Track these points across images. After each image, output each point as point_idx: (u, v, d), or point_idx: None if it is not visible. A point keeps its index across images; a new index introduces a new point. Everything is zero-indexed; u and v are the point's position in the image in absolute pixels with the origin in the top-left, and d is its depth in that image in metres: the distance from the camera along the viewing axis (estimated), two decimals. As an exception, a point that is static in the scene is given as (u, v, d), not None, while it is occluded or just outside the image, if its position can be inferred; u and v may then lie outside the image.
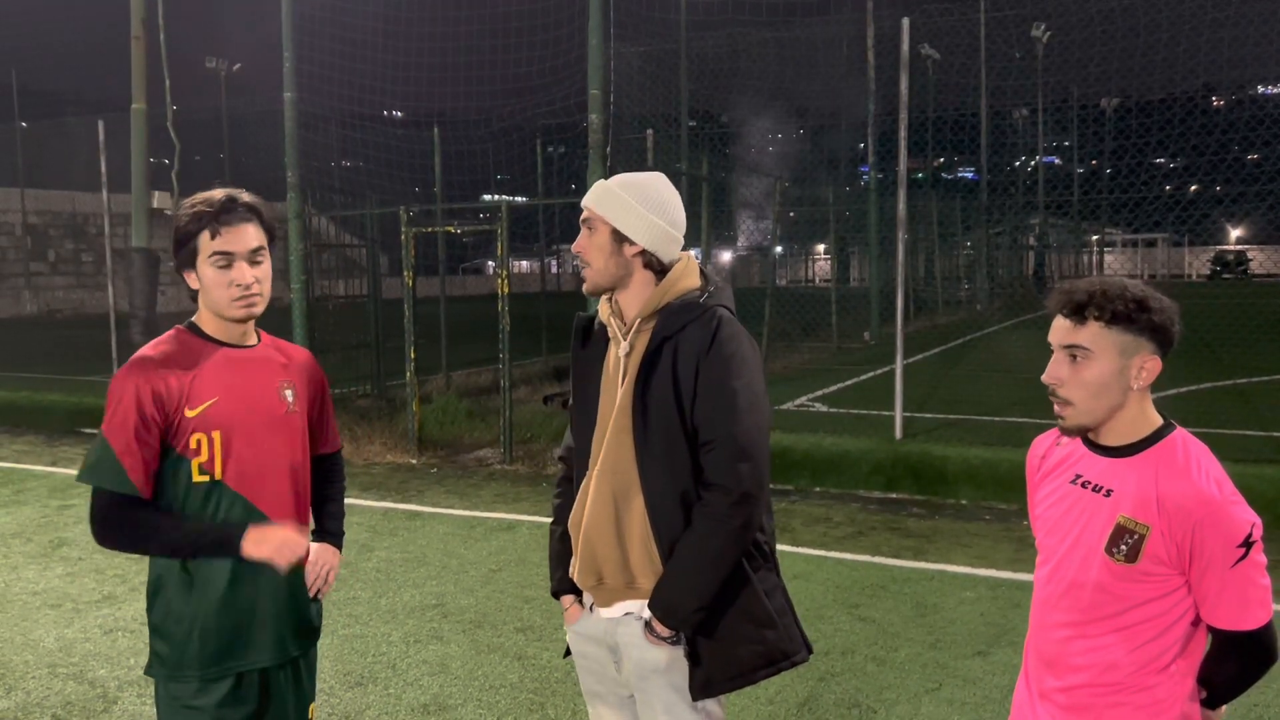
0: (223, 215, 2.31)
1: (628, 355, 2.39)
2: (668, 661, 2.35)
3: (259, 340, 2.48)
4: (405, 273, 9.78)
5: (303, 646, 2.48)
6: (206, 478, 2.30)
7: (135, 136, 10.32)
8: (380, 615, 5.37)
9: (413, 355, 9.78)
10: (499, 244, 9.42)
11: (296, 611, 2.45)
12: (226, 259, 2.31)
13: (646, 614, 2.35)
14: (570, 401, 2.56)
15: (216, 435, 2.30)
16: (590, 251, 2.40)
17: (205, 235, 2.31)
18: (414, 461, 9.47)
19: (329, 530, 2.69)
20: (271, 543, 2.29)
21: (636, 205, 2.37)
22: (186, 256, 2.35)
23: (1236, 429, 9.31)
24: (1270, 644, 1.95)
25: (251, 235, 2.34)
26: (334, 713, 4.22)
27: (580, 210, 2.44)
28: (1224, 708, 2.07)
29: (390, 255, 16.95)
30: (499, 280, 9.56)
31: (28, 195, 40.53)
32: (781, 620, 2.37)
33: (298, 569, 2.44)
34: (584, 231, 2.42)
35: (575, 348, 2.54)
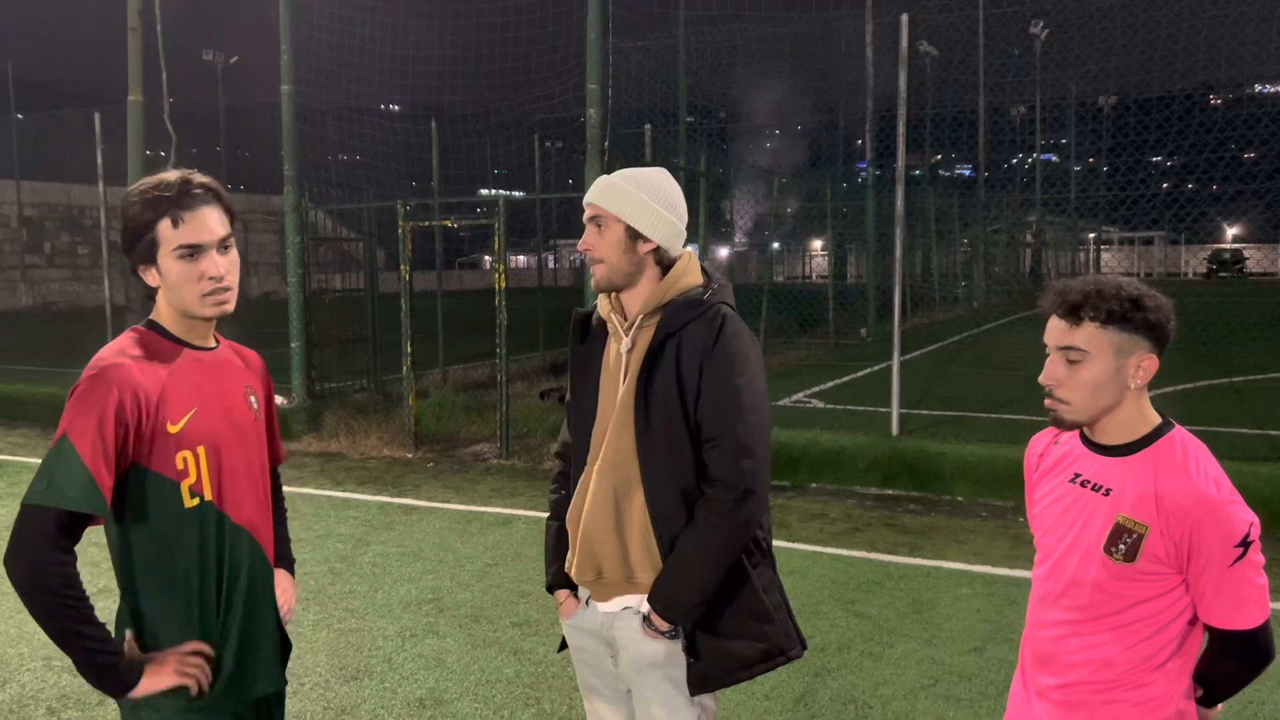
0: (183, 200, 2.03)
1: (630, 351, 2.38)
2: (665, 655, 2.36)
3: (218, 342, 2.24)
4: (402, 267, 9.77)
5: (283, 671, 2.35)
6: (197, 500, 2.08)
7: (132, 129, 10.28)
8: (376, 609, 5.37)
9: (409, 350, 9.77)
10: (496, 238, 9.41)
11: (282, 640, 2.32)
12: (193, 251, 2.04)
13: (645, 608, 2.35)
14: (568, 397, 2.55)
15: (201, 451, 2.07)
16: (601, 249, 2.36)
17: (165, 224, 2.03)
18: (410, 456, 9.46)
19: (282, 555, 2.44)
20: (165, 673, 2.03)
21: (650, 201, 2.35)
22: (144, 250, 2.05)
23: (1232, 427, 9.33)
24: (1267, 643, 1.96)
25: (216, 221, 2.07)
26: (330, 706, 4.22)
27: (580, 206, 2.41)
28: (1220, 706, 2.07)
29: (387, 249, 16.94)
30: (496, 275, 9.56)
31: (24, 187, 40.52)
32: (778, 616, 2.37)
33: (272, 601, 2.27)
34: (591, 229, 2.38)
35: (574, 343, 2.52)
